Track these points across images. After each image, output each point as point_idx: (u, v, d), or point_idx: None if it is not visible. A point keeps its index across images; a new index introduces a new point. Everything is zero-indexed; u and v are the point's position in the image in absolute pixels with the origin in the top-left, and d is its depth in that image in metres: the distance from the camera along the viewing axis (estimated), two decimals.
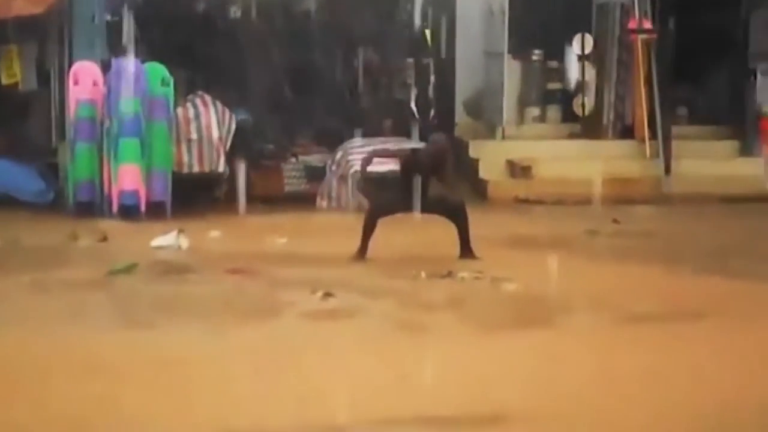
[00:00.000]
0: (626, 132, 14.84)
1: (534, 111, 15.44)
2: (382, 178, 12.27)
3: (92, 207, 12.08)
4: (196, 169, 12.52)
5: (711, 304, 8.15)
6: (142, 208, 11.93)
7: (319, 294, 8.26)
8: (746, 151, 14.67)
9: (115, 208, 11.91)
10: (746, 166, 14.43)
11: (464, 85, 14.76)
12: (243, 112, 12.92)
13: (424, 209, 9.84)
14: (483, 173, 13.94)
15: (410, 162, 9.84)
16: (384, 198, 10.10)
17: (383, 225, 11.71)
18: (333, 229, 11.51)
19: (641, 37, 14.63)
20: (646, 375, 6.40)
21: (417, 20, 13.10)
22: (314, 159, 13.12)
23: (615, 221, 11.83)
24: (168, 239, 10.40)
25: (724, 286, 8.83)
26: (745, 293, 8.59)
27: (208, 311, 7.83)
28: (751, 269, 9.41)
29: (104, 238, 10.72)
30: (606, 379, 6.30)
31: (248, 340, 7.07)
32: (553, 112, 15.46)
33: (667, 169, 14.09)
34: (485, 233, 11.04)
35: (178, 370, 6.32)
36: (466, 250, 9.85)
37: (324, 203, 12.70)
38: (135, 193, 11.95)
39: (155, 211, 11.94)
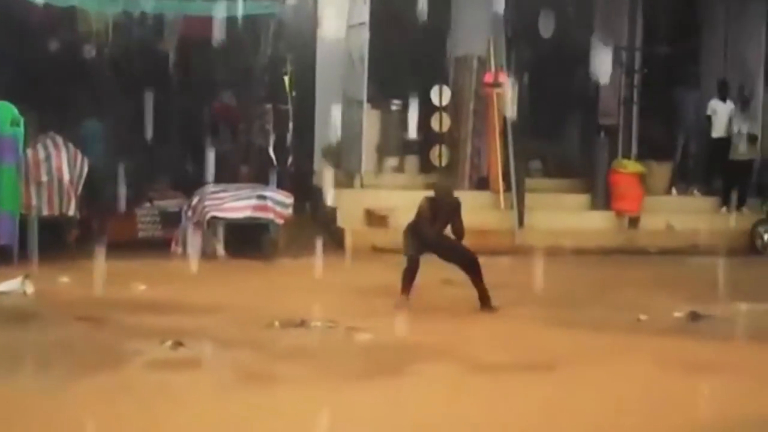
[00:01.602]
0: (482, 183, 15.10)
1: (392, 160, 15.58)
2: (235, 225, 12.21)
3: None
4: (45, 212, 12.13)
5: (560, 354, 8.29)
6: None
7: (169, 343, 8.07)
8: (595, 204, 15.11)
9: None
10: (595, 218, 14.86)
11: (323, 133, 14.80)
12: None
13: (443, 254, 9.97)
14: (341, 222, 13.95)
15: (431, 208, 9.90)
16: (412, 245, 10.00)
17: (241, 271, 11.62)
18: (187, 276, 11.31)
19: (497, 90, 14.96)
20: (493, 424, 6.45)
21: (276, 66, 13.08)
22: (170, 204, 12.89)
23: None
24: (12, 285, 10.03)
25: (573, 337, 8.99)
26: (593, 344, 8.77)
27: (50, 360, 7.54)
28: (598, 320, 9.65)
29: None
30: (451, 428, 6.32)
31: (89, 390, 6.82)
32: (412, 162, 15.63)
33: (521, 221, 14.37)
34: (341, 282, 11.05)
35: (7, 422, 6.05)
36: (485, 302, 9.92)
37: (179, 249, 12.47)
38: None
39: (1, 255, 11.50)
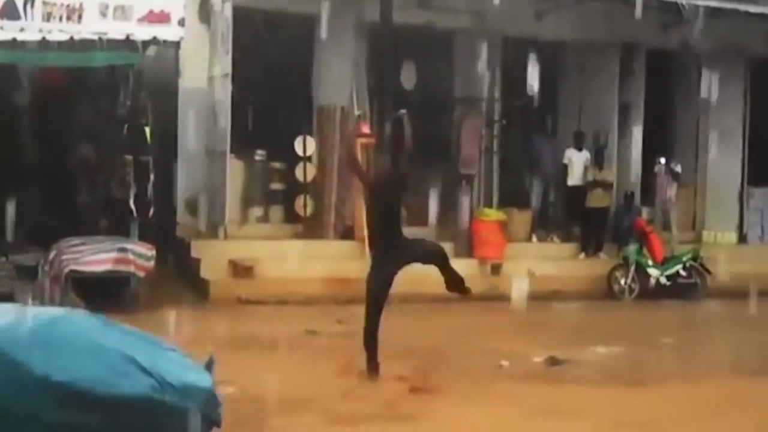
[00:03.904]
0: (347, 233, 15.15)
1: (257, 211, 15.52)
2: (95, 279, 11.93)
3: None
4: None
5: (420, 402, 8.35)
6: None
7: None
8: (458, 252, 15.31)
9: None
10: (458, 266, 14.97)
11: (186, 183, 14.65)
12: None
13: (405, 260, 9.02)
14: (205, 273, 13.79)
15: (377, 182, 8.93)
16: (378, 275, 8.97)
17: None
18: None
19: (360, 140, 15.07)
20: None
21: (137, 117, 12.88)
22: (26, 258, 12.51)
23: (339, 321, 11.93)
24: None
25: (437, 385, 9.06)
26: (453, 390, 8.85)
27: None
28: (460, 367, 9.77)
29: None
30: None
31: None
32: (276, 212, 15.60)
33: None
34: (204, 335, 10.89)
35: None
36: (459, 286, 9.29)
37: (36, 305, 12.07)
38: None
39: None
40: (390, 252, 9.03)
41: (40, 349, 3.76)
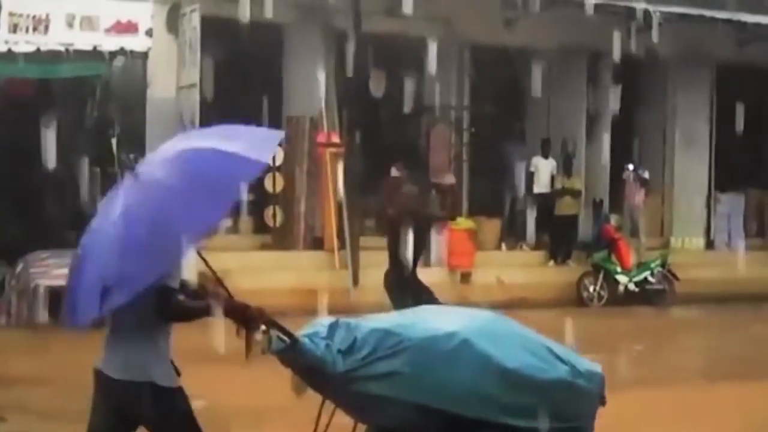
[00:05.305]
0: (316, 243, 15.13)
1: (226, 221, 15.44)
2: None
3: None
4: None
5: None
6: None
7: None
8: (428, 260, 15.33)
9: None
10: (429, 274, 15.05)
11: None
12: None
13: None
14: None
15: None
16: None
17: (69, 340, 11.24)
18: (12, 346, 10.89)
19: (330, 150, 15.08)
20: None
21: (104, 128, 12.82)
22: None
23: None
24: None
25: None
26: None
27: None
28: None
29: None
30: None
31: None
32: (246, 222, 15.54)
33: (355, 280, 14.45)
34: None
35: None
36: None
37: (2, 320, 12.00)
38: None
39: None
40: None
41: (494, 341, 4.56)
